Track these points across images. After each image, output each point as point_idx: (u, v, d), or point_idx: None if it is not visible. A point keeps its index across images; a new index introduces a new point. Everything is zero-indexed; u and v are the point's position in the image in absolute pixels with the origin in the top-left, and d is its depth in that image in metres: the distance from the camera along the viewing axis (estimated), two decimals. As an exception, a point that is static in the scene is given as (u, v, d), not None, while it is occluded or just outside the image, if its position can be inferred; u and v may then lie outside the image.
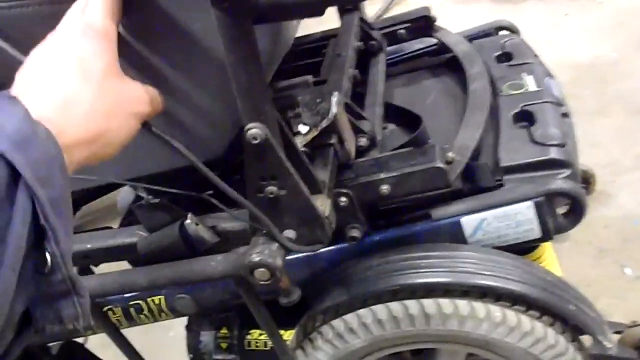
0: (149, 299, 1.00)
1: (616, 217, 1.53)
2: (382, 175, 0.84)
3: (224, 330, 1.10)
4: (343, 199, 0.84)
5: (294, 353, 0.89)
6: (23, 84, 0.54)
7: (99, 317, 0.88)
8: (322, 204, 0.73)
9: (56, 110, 0.52)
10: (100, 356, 1.26)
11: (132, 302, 1.00)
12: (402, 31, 1.29)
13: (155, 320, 1.06)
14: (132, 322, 1.03)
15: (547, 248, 0.93)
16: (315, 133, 0.80)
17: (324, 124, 0.81)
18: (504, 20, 1.32)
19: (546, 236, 0.85)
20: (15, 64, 0.56)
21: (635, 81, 2.02)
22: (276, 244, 0.71)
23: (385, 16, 1.41)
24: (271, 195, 0.69)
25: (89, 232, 0.85)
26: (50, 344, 1.18)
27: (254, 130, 0.64)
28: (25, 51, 0.58)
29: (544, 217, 0.83)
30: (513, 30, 1.30)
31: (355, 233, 0.86)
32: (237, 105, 0.64)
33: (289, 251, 0.72)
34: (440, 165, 0.82)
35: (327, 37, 1.19)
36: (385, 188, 0.84)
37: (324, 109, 0.83)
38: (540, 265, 0.88)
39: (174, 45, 0.68)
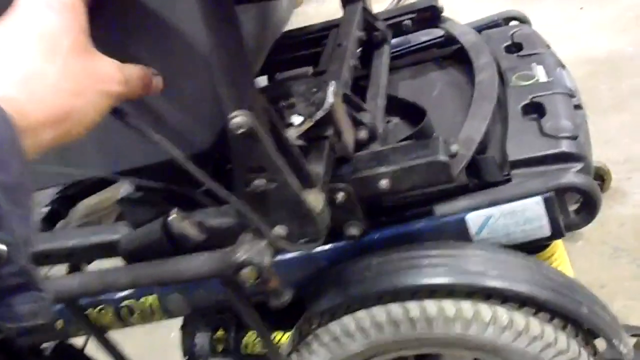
0: (141, 300, 0.96)
1: (632, 215, 1.46)
2: (382, 170, 0.79)
3: (220, 332, 1.06)
4: (341, 194, 0.79)
5: (288, 357, 0.85)
6: None
7: (80, 319, 0.84)
8: (315, 199, 0.69)
9: (18, 87, 0.48)
10: (96, 358, 1.22)
11: (123, 303, 0.96)
12: (408, 22, 1.24)
13: (148, 322, 1.02)
14: (124, 323, 1.00)
15: (558, 247, 0.88)
16: (309, 124, 0.76)
17: (319, 114, 0.76)
18: (513, 10, 1.27)
19: (557, 234, 0.80)
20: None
21: (652, 76, 1.96)
22: (264, 242, 0.66)
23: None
24: (259, 189, 0.65)
25: (72, 229, 0.81)
26: (44, 345, 1.14)
27: (239, 119, 0.59)
28: None
29: (554, 214, 0.78)
30: (523, 20, 1.24)
31: (354, 231, 0.82)
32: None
33: (278, 249, 0.67)
34: (443, 158, 0.77)
35: (329, 27, 1.15)
36: (385, 183, 0.79)
37: (319, 99, 0.79)
38: (550, 265, 0.82)
39: (153, 27, 0.64)
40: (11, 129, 0.44)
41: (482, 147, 0.87)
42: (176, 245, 0.71)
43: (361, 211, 0.81)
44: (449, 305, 0.75)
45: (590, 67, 2.08)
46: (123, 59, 0.58)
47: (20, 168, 0.43)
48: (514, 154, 0.84)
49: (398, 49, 1.26)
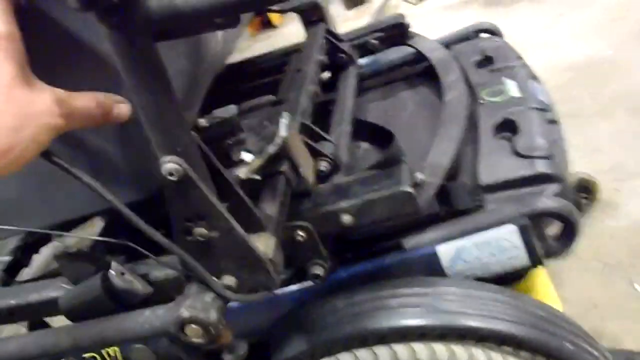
0: (103, 351, 0.90)
1: (623, 227, 1.40)
2: (343, 204, 0.73)
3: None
4: (301, 232, 0.74)
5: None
6: None
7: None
8: (265, 245, 0.63)
9: None
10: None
11: (85, 355, 0.90)
12: (375, 41, 1.20)
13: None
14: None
15: (539, 274, 0.82)
16: (261, 161, 0.70)
17: (271, 149, 0.71)
18: (484, 22, 1.22)
19: (535, 263, 0.74)
20: None
21: (634, 78, 1.91)
22: (211, 294, 0.60)
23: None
24: (201, 238, 0.59)
25: (15, 286, 0.75)
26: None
27: (170, 165, 0.54)
28: None
29: (531, 242, 0.73)
30: (494, 32, 1.20)
31: (318, 270, 0.76)
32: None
33: (227, 301, 0.61)
34: (407, 189, 0.71)
35: (291, 52, 1.10)
36: (347, 218, 0.73)
37: (271, 133, 0.73)
38: (530, 296, 0.76)
39: (84, 65, 0.59)
40: None
41: (452, 172, 0.82)
42: (119, 301, 0.65)
43: (324, 249, 0.76)
44: (421, 349, 0.69)
45: (572, 74, 2.04)
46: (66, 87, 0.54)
47: None
48: (485, 178, 0.79)
49: (366, 69, 1.21)
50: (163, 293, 0.66)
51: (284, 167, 0.73)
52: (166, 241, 0.59)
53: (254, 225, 0.64)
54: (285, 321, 0.78)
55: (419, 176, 0.75)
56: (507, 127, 0.87)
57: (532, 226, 0.72)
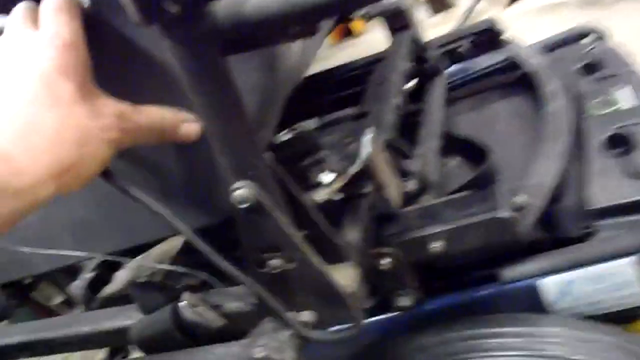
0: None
1: None
2: (433, 229, 0.66)
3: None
4: (386, 260, 0.67)
5: None
6: None
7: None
8: (347, 277, 0.57)
9: (14, 141, 0.42)
10: None
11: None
12: (465, 48, 1.11)
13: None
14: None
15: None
16: (342, 182, 0.64)
17: (353, 169, 0.65)
18: (588, 24, 1.11)
19: (656, 301, 0.64)
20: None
21: None
22: (288, 332, 0.55)
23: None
24: (275, 271, 0.54)
25: (89, 313, 0.73)
26: None
27: (241, 192, 0.49)
28: None
29: (653, 277, 0.63)
30: (600, 35, 1.08)
31: (404, 302, 0.69)
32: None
33: (306, 340, 0.56)
34: (506, 214, 0.63)
35: (375, 61, 1.03)
36: (437, 245, 0.66)
37: (353, 151, 0.67)
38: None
39: (149, 77, 0.55)
40: None
41: (557, 194, 0.72)
42: (190, 334, 0.61)
43: (412, 278, 0.69)
44: (522, 397, 0.61)
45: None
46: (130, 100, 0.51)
47: None
48: (596, 202, 0.70)
49: (455, 78, 1.12)
50: (236, 326, 0.61)
51: (368, 188, 0.67)
52: (239, 274, 0.54)
53: (334, 254, 0.58)
54: (368, 355, 0.71)
55: (520, 199, 0.66)
56: (619, 143, 0.77)
57: (653, 259, 0.62)
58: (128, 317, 0.67)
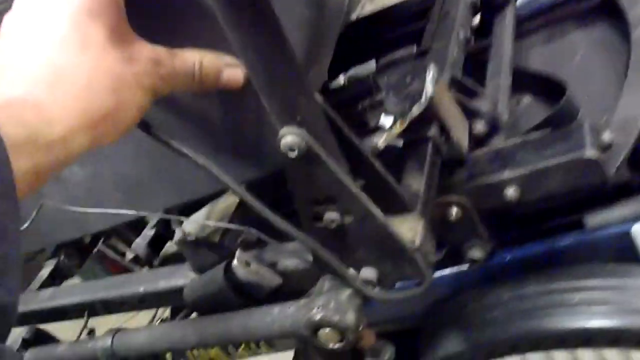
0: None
1: None
2: (507, 174, 0.60)
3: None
4: (454, 209, 0.61)
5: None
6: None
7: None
8: (411, 229, 0.51)
9: (44, 88, 0.39)
10: None
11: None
12: (536, -26, 1.01)
13: (255, 355, 0.91)
14: (230, 357, 0.89)
15: None
16: (402, 125, 0.58)
17: (415, 111, 0.58)
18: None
19: None
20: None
21: None
22: (347, 291, 0.50)
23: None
24: (332, 225, 0.49)
25: (145, 272, 0.71)
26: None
27: (290, 138, 0.44)
28: None
29: None
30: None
31: (476, 254, 0.63)
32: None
33: (367, 299, 0.51)
34: (592, 154, 0.56)
35: (437, -6, 0.95)
36: (512, 191, 0.60)
37: (415, 91, 0.61)
38: None
39: (188, 18, 0.50)
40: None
41: (648, 130, 0.64)
42: (245, 294, 0.57)
43: (483, 228, 0.62)
44: (613, 357, 0.54)
45: None
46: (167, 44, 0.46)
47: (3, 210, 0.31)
48: (695, 136, 0.61)
49: (525, 9, 1.02)
50: (293, 284, 0.57)
51: (432, 131, 0.61)
52: (294, 230, 0.49)
53: (396, 205, 0.53)
54: (437, 312, 0.67)
55: (607, 136, 0.58)
56: None
57: None
58: (183, 277, 0.65)
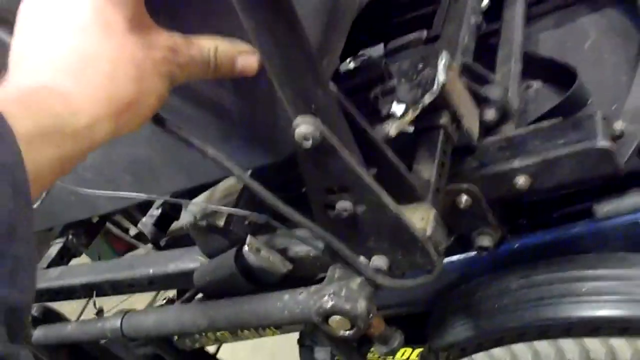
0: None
1: None
2: (517, 163, 0.60)
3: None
4: (464, 197, 0.61)
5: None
6: (19, 51, 0.41)
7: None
8: (422, 219, 0.52)
9: (70, 77, 0.39)
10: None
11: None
12: (548, -43, 1.00)
13: (262, 336, 0.92)
14: (237, 337, 0.90)
15: None
16: (414, 114, 0.58)
17: (427, 99, 0.58)
18: None
19: None
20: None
21: None
22: (358, 279, 0.51)
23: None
24: (344, 214, 0.49)
25: (154, 254, 0.71)
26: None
27: (304, 128, 0.44)
28: None
29: None
30: None
31: (486, 241, 0.63)
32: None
33: (377, 287, 0.51)
34: (604, 144, 0.56)
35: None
36: (522, 180, 0.60)
37: (427, 78, 0.61)
38: None
39: (205, 8, 0.49)
40: (14, 153, 0.32)
41: (660, 119, 0.64)
42: (255, 279, 0.58)
43: (493, 216, 0.63)
44: (621, 346, 0.55)
45: None
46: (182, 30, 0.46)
47: (14, 208, 0.31)
48: None
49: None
50: (303, 271, 0.58)
51: (443, 119, 0.60)
52: (306, 221, 0.50)
53: (408, 194, 0.53)
54: (446, 298, 0.67)
55: (619, 126, 0.58)
56: None
57: None
58: (193, 260, 0.65)
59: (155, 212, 1.02)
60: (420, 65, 0.64)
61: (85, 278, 0.77)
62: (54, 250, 0.98)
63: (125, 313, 0.68)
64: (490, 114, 0.68)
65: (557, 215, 0.65)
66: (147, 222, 1.00)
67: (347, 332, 0.50)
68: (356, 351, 0.59)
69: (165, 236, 1.00)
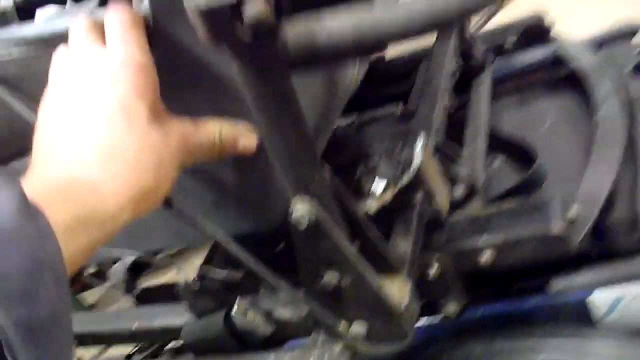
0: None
1: None
2: (483, 240, 0.66)
3: None
4: (434, 268, 0.67)
5: None
6: (47, 142, 0.44)
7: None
8: (399, 291, 0.57)
9: (99, 170, 0.42)
10: None
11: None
12: (511, 42, 1.09)
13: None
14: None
15: None
16: (393, 192, 0.64)
17: (405, 180, 0.64)
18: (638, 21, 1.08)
19: None
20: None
21: None
22: (339, 346, 0.55)
23: (492, 21, 1.20)
24: (331, 286, 0.54)
25: (140, 308, 0.75)
26: None
27: (301, 209, 0.49)
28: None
29: None
30: (652, 32, 1.05)
31: (451, 309, 0.69)
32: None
33: (356, 353, 0.56)
34: (560, 228, 0.62)
35: (420, 57, 1.02)
36: (487, 256, 0.66)
37: (405, 158, 0.67)
38: None
39: (208, 89, 0.54)
40: (54, 245, 0.36)
41: (609, 205, 0.71)
42: (242, 340, 0.62)
43: (459, 286, 0.69)
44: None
45: None
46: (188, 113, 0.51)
47: (56, 297, 0.35)
48: (650, 214, 0.68)
49: (500, 71, 1.10)
50: (288, 332, 0.62)
51: (418, 197, 0.66)
52: (290, 288, 0.55)
53: (386, 266, 0.58)
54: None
55: (573, 212, 0.65)
56: (674, 152, 0.75)
57: None
58: (179, 316, 0.69)
59: (128, 258, 1.05)
60: (400, 145, 0.70)
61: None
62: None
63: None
64: (459, 191, 0.74)
65: (516, 287, 0.71)
66: (119, 269, 1.03)
67: (329, 394, 0.54)
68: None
69: (140, 287, 1.02)
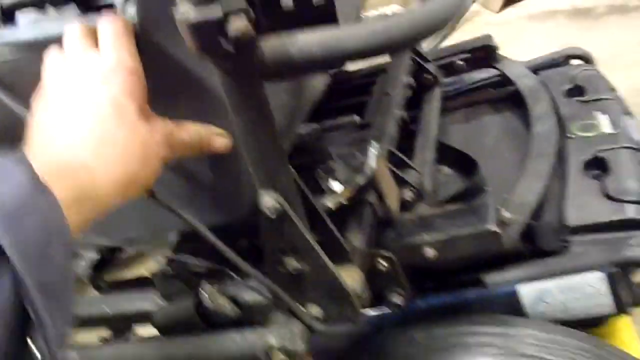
0: None
1: None
2: (427, 238, 0.74)
3: None
4: (383, 262, 0.75)
5: None
6: (43, 128, 0.50)
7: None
8: (353, 278, 0.64)
9: (92, 153, 0.48)
10: None
11: None
12: (461, 62, 1.19)
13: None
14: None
15: (623, 322, 0.80)
16: (349, 191, 0.72)
17: (360, 181, 0.72)
18: (576, 48, 1.19)
19: (621, 310, 0.73)
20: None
21: None
22: (299, 324, 0.62)
23: (444, 43, 1.30)
24: (294, 272, 0.61)
25: (110, 295, 0.80)
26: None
27: (268, 201, 0.56)
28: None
29: (618, 290, 0.71)
30: (587, 59, 1.16)
31: (398, 299, 0.77)
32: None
33: (313, 331, 0.63)
34: (493, 228, 0.71)
35: (377, 72, 1.10)
36: (430, 252, 0.74)
37: (360, 162, 0.75)
38: (615, 347, 0.75)
39: (189, 96, 0.61)
40: (62, 220, 0.42)
41: (538, 211, 0.81)
42: (209, 321, 0.68)
43: (405, 279, 0.76)
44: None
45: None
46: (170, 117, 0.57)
47: (64, 263, 0.41)
48: (573, 219, 0.78)
49: (450, 88, 1.20)
50: (251, 316, 0.68)
51: (371, 197, 0.74)
52: (256, 273, 0.61)
53: (341, 256, 0.66)
54: (360, 347, 0.79)
55: (506, 214, 0.74)
56: (597, 166, 0.85)
57: (620, 274, 0.71)
58: (149, 302, 0.74)
59: (91, 255, 1.09)
60: (355, 151, 0.78)
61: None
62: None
63: (80, 348, 0.75)
64: (408, 194, 0.83)
65: (456, 281, 0.79)
66: (84, 265, 1.07)
67: (287, 367, 0.61)
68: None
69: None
